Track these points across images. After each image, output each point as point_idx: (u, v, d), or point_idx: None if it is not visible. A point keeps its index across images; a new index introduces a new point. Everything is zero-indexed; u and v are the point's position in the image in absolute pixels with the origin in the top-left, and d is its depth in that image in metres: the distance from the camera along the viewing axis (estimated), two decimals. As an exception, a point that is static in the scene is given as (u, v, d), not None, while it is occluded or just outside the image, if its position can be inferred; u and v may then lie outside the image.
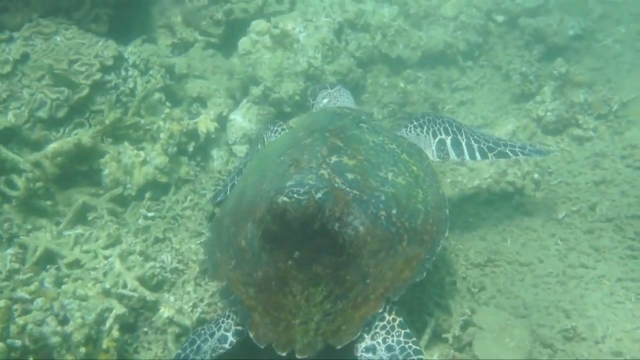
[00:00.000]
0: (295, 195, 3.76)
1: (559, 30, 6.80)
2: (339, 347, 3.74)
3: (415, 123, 5.06)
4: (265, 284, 3.92)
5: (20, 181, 5.12)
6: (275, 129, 5.34)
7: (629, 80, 6.44)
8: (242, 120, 6.04)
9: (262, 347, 3.81)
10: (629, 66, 6.71)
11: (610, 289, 4.31)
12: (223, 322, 4.14)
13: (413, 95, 6.54)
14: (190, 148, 5.83)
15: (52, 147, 5.35)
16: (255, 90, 6.14)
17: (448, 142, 4.92)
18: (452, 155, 4.86)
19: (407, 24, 7.07)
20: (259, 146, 5.33)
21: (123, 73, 6.03)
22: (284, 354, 3.76)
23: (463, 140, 4.91)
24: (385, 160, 4.40)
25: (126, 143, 5.65)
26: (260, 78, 6.18)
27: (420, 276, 3.97)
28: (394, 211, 4.05)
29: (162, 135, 5.57)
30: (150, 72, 6.21)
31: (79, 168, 5.58)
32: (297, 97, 6.08)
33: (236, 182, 5.14)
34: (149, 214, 5.37)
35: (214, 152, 6.00)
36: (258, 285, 3.95)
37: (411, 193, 4.25)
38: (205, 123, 5.82)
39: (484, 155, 4.80)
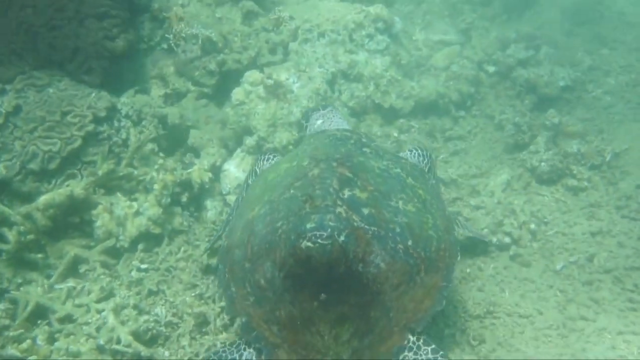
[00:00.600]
0: (320, 241, 3.79)
1: (550, 81, 6.95)
2: None
3: (418, 152, 5.27)
4: (289, 323, 3.99)
5: (11, 234, 5.10)
6: (267, 157, 5.40)
7: (621, 131, 6.57)
8: (236, 170, 6.07)
9: None
10: (620, 117, 6.84)
11: (612, 342, 4.31)
12: (245, 349, 4.23)
13: (406, 144, 6.60)
14: (184, 198, 5.83)
15: (43, 199, 5.34)
16: (249, 141, 6.18)
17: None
18: None
19: (400, 74, 7.17)
20: (250, 180, 5.40)
21: (116, 124, 6.09)
22: None
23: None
24: (394, 187, 4.47)
25: (119, 194, 5.65)
26: (254, 128, 6.23)
27: (440, 305, 4.13)
28: (409, 242, 4.14)
29: (155, 187, 5.57)
30: (143, 122, 6.25)
31: (70, 219, 5.56)
32: (290, 147, 6.12)
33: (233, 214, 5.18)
34: (142, 266, 5.34)
35: (208, 203, 6.00)
36: (282, 323, 4.02)
37: (422, 220, 4.35)
38: (199, 173, 5.84)
39: None
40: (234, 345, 4.24)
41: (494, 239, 5.38)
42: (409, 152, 5.30)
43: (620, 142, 6.34)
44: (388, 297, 3.99)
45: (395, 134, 6.78)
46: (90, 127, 5.82)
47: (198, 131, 6.54)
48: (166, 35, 6.86)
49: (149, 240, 5.58)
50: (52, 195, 5.38)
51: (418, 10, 9.37)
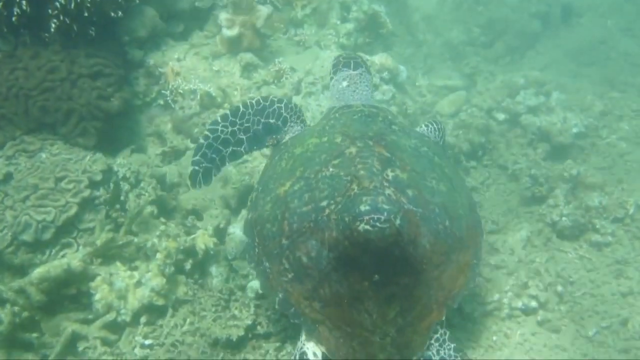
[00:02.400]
0: (378, 224, 3.97)
1: (563, 129, 6.89)
2: (414, 358, 4.24)
3: (433, 126, 5.56)
4: (334, 301, 4.19)
5: (4, 314, 4.87)
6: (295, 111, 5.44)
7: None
8: (241, 234, 5.88)
9: None
10: (637, 165, 6.79)
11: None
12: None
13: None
14: (188, 265, 5.62)
15: (37, 272, 5.13)
16: (255, 202, 6.02)
17: None
18: None
19: (407, 123, 7.09)
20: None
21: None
22: None
23: None
24: (426, 166, 4.69)
25: (118, 263, 5.45)
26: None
27: (473, 282, 4.56)
28: (447, 223, 4.41)
29: (158, 256, 5.38)
30: (142, 184, 6.10)
31: (66, 291, 5.34)
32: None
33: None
34: (146, 342, 5.12)
35: (213, 269, 5.80)
36: (325, 300, 4.22)
37: (453, 199, 4.62)
38: (203, 239, 5.65)
39: None
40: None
41: (520, 304, 5.22)
42: (425, 127, 5.55)
43: (641, 194, 6.26)
44: (430, 276, 4.25)
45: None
46: (86, 193, 5.67)
47: (199, 191, 6.36)
48: (162, 91, 6.78)
49: (152, 312, 5.37)
50: (47, 267, 5.17)
51: (419, 54, 9.39)
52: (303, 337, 4.40)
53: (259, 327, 5.11)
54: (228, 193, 6.36)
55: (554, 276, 5.40)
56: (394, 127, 5.03)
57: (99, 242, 5.40)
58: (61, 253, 5.51)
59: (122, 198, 5.87)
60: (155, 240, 5.56)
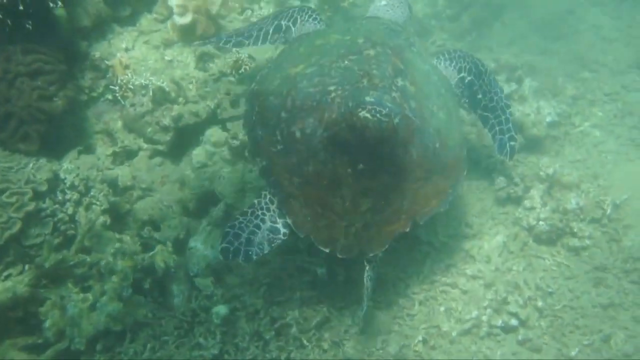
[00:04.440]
0: (378, 115, 4.33)
1: (537, 120, 6.71)
2: (370, 254, 4.57)
3: (446, 56, 5.95)
4: (314, 180, 4.54)
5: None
6: (310, 13, 6.05)
7: (617, 175, 6.40)
8: (203, 247, 5.61)
9: (302, 235, 4.57)
10: (612, 156, 6.68)
11: None
12: (264, 214, 4.73)
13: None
14: (147, 284, 5.37)
15: (-20, 299, 4.82)
16: (216, 212, 5.75)
17: (466, 80, 5.88)
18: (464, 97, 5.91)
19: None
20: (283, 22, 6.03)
21: (60, 197, 5.57)
22: (326, 250, 4.55)
23: (476, 84, 5.87)
24: (432, 91, 5.07)
25: (69, 284, 5.16)
26: (220, 194, 5.82)
27: (444, 207, 4.89)
28: (437, 144, 4.78)
29: (114, 279, 5.11)
30: (92, 191, 5.74)
31: (12, 315, 5.03)
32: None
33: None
34: (104, 373, 4.88)
35: (174, 287, 5.54)
36: (305, 177, 4.56)
37: (448, 129, 4.98)
38: (162, 256, 5.38)
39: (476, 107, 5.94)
40: (249, 214, 4.73)
41: (499, 322, 5.12)
42: (435, 60, 5.93)
43: (617, 190, 6.18)
44: (408, 186, 4.61)
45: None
46: (31, 207, 5.29)
47: (154, 199, 6.03)
48: (111, 86, 6.32)
49: (108, 338, 5.11)
50: (-9, 294, 4.85)
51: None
52: (270, 212, 4.74)
53: (226, 356, 4.90)
54: (186, 196, 6.05)
55: (533, 289, 5.32)
56: (413, 48, 5.45)
57: (47, 264, 5.07)
58: (5, 273, 5.14)
59: (70, 210, 5.52)
60: (110, 258, 5.26)
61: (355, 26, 5.70)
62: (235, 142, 5.88)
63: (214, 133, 6.03)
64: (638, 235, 5.78)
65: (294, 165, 4.58)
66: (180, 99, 6.32)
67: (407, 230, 4.63)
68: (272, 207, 4.74)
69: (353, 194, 4.44)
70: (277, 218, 4.69)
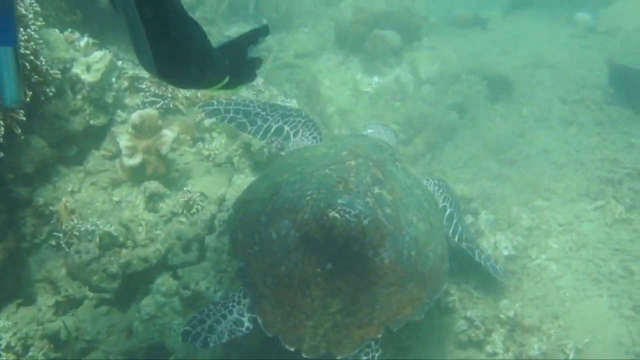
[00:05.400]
0: (347, 216, 4.56)
1: (495, 256, 6.70)
2: (338, 357, 4.56)
3: (435, 182, 6.29)
4: (286, 280, 4.64)
5: None
6: (311, 131, 6.35)
7: (576, 314, 6.34)
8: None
9: (270, 335, 4.63)
10: (570, 293, 6.64)
11: None
12: (234, 306, 4.81)
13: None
14: None
15: None
16: (166, 368, 5.46)
17: (447, 212, 6.13)
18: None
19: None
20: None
21: (-5, 357, 5.25)
22: (291, 349, 4.56)
23: (455, 217, 6.16)
24: (412, 203, 5.24)
25: None
26: (170, 348, 5.63)
27: (419, 316, 4.88)
28: (413, 253, 4.87)
29: None
30: (30, 351, 5.43)
31: None
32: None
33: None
34: None
35: None
36: (278, 278, 4.67)
37: (427, 240, 5.10)
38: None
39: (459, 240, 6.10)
40: (220, 304, 4.84)
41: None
42: (425, 181, 6.20)
43: (578, 332, 6.11)
44: (380, 291, 4.67)
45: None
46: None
47: (100, 352, 5.73)
48: (54, 232, 6.09)
49: None
50: None
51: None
52: (240, 305, 4.81)
53: None
54: (134, 347, 5.76)
55: None
56: (397, 163, 5.75)
57: None
58: None
59: (8, 373, 5.20)
60: None
61: (342, 141, 6.01)
62: (187, 292, 5.68)
63: (164, 282, 5.81)
64: (602, 381, 5.69)
65: (268, 266, 4.73)
66: (129, 242, 6.14)
67: (379, 336, 4.66)
68: (244, 301, 4.82)
69: (322, 294, 4.54)
70: (245, 312, 4.76)
